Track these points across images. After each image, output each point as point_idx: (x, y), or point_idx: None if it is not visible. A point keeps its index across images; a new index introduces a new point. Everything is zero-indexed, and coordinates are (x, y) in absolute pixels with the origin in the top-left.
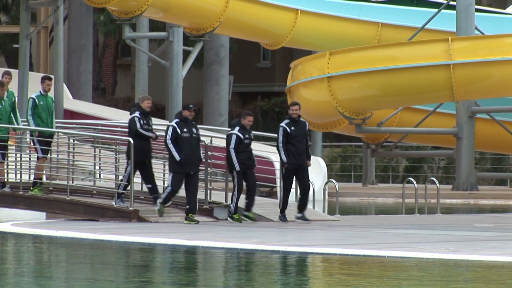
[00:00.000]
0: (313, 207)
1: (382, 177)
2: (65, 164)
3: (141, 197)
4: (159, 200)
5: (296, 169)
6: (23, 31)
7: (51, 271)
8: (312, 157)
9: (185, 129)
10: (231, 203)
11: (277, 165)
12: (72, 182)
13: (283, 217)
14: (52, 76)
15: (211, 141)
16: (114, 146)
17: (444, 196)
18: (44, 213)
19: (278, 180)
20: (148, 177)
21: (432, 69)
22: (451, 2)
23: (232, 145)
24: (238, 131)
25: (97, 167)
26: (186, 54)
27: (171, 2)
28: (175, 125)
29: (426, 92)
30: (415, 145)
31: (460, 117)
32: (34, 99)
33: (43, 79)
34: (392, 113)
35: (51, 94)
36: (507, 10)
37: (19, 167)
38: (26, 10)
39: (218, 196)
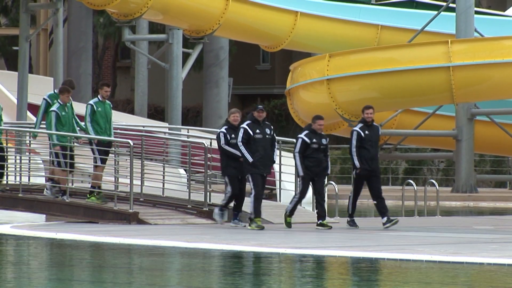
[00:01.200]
0: (313, 209)
1: (382, 179)
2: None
3: (140, 199)
4: (250, 216)
5: (367, 175)
6: (22, 33)
7: (51, 273)
8: None
9: (257, 130)
10: (290, 203)
11: (276, 167)
12: (72, 184)
13: (352, 223)
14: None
15: (210, 143)
16: (113, 148)
17: (443, 198)
18: (44, 215)
19: (277, 183)
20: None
21: (432, 71)
22: (451, 4)
23: (297, 149)
24: (305, 135)
25: None
26: (185, 56)
27: (170, 4)
28: (246, 126)
29: (425, 94)
30: (414, 147)
31: (459, 119)
32: (92, 105)
33: (102, 85)
34: (391, 115)
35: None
36: (506, 12)
37: (18, 169)
38: (26, 13)
39: (218, 198)
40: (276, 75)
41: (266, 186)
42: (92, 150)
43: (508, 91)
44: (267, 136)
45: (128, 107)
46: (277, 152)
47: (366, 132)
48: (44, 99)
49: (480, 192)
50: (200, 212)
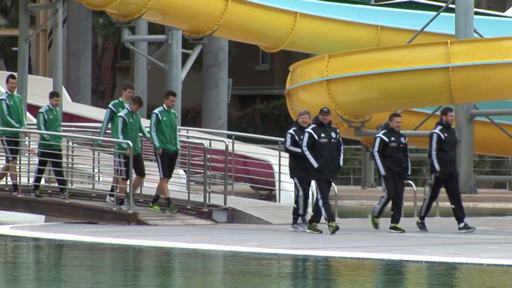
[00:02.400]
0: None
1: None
2: (64, 167)
3: (140, 199)
4: (308, 218)
5: (446, 178)
6: (22, 34)
7: (50, 274)
8: None
9: (322, 134)
10: (377, 204)
11: (276, 168)
12: (71, 185)
13: (422, 225)
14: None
15: (210, 144)
16: (113, 149)
17: (443, 199)
18: (43, 216)
19: (277, 184)
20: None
21: (431, 72)
22: (450, 5)
23: (376, 148)
24: (384, 134)
25: (96, 170)
26: (185, 57)
27: (170, 5)
28: (311, 131)
29: (425, 95)
30: (414, 147)
31: (459, 120)
32: (157, 115)
33: (167, 94)
34: None
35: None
36: (506, 13)
37: (18, 170)
38: (25, 13)
39: (217, 199)
40: (275, 76)
41: (265, 187)
42: (156, 159)
43: (507, 91)
44: (332, 140)
45: None
46: (341, 156)
47: (445, 134)
48: (109, 107)
49: (479, 193)
50: (199, 213)
